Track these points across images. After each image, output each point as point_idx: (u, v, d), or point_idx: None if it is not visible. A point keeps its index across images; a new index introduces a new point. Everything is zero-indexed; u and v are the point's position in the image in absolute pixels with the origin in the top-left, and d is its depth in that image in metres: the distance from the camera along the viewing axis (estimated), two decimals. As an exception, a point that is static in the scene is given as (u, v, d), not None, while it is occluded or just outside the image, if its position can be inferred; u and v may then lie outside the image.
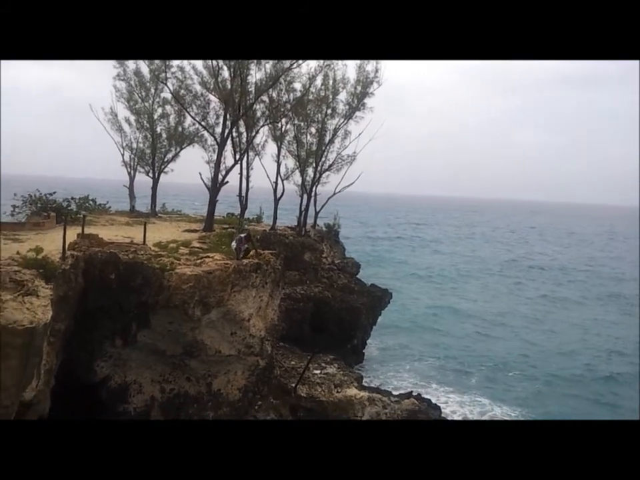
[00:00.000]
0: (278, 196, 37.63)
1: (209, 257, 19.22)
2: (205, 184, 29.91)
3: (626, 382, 34.02)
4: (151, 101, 37.95)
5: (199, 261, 18.61)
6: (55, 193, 29.17)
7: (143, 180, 40.49)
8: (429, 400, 24.21)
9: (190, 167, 38.80)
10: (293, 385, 21.21)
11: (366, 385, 24.36)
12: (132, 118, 38.72)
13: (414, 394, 24.09)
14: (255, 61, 30.46)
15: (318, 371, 23.33)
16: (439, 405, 24.79)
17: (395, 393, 24.46)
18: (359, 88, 36.76)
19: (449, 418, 25.71)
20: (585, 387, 33.44)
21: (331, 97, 37.14)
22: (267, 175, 38.20)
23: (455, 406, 28.98)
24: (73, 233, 19.07)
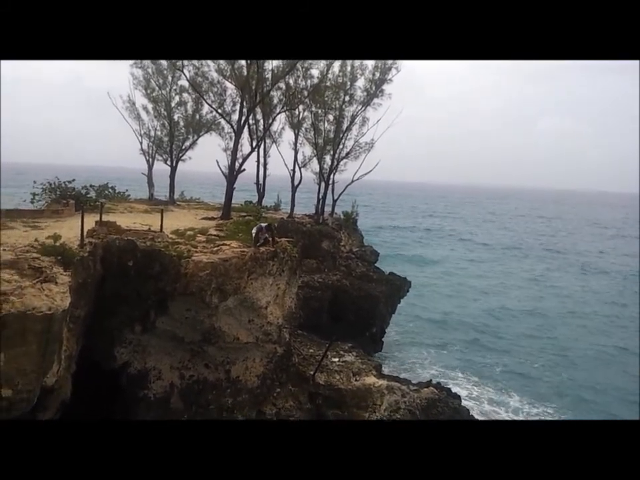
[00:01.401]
0: (295, 184, 37.54)
1: (225, 244, 19.17)
2: (222, 172, 29.88)
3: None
4: (168, 89, 37.93)
5: (215, 249, 18.56)
6: (74, 180, 29.32)
7: (162, 168, 40.64)
8: (449, 389, 24.03)
9: (208, 155, 38.86)
10: (312, 372, 21.16)
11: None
12: (149, 106, 38.80)
13: (433, 382, 23.91)
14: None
15: (336, 359, 23.26)
16: (458, 394, 24.61)
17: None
18: (377, 74, 36.36)
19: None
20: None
21: (348, 83, 36.83)
22: (285, 163, 38.17)
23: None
24: (91, 221, 19.15)
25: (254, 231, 19.22)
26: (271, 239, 19.58)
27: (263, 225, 19.92)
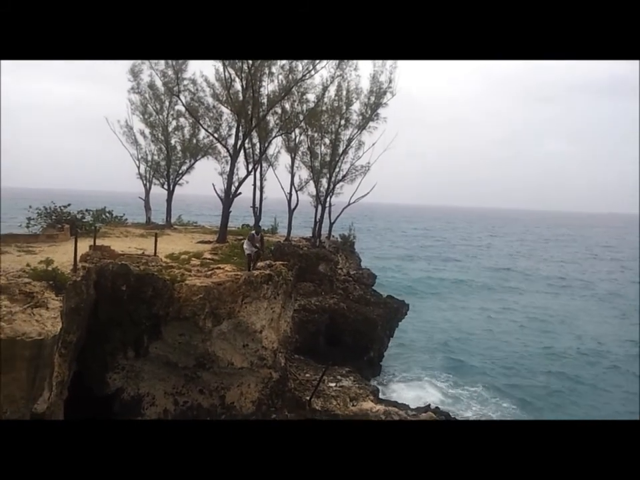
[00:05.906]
0: (292, 207, 37.60)
1: (219, 268, 19.06)
2: (218, 195, 29.91)
3: None
4: (165, 114, 38.16)
5: (209, 272, 18.46)
6: (69, 205, 29.34)
7: (160, 192, 40.67)
8: (447, 413, 23.73)
9: (205, 179, 38.94)
10: (308, 397, 20.89)
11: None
12: (147, 131, 39.00)
13: (432, 407, 23.62)
14: (267, 72, 30.51)
15: (333, 384, 23.00)
16: (457, 418, 24.29)
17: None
18: (373, 98, 36.61)
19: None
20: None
21: (344, 107, 37.07)
22: (281, 186, 38.24)
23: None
24: (85, 245, 19.07)
25: (245, 245, 18.92)
26: (261, 250, 19.39)
27: (253, 232, 19.60)
